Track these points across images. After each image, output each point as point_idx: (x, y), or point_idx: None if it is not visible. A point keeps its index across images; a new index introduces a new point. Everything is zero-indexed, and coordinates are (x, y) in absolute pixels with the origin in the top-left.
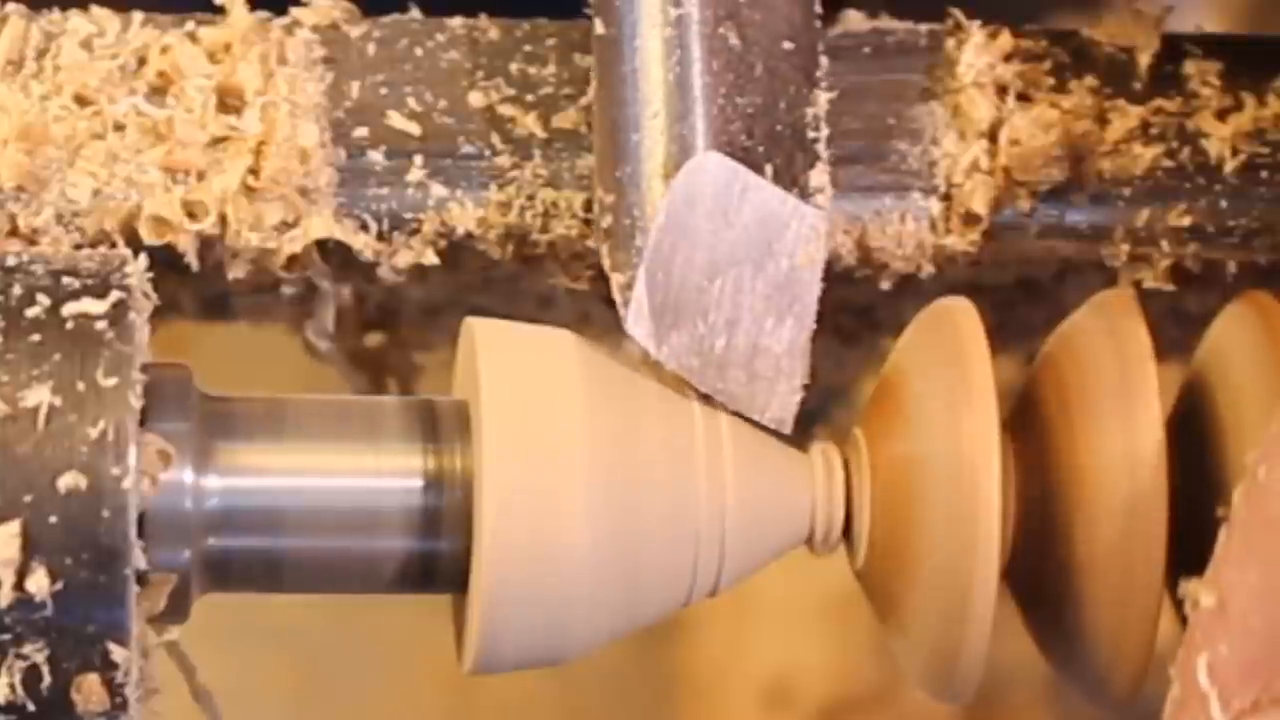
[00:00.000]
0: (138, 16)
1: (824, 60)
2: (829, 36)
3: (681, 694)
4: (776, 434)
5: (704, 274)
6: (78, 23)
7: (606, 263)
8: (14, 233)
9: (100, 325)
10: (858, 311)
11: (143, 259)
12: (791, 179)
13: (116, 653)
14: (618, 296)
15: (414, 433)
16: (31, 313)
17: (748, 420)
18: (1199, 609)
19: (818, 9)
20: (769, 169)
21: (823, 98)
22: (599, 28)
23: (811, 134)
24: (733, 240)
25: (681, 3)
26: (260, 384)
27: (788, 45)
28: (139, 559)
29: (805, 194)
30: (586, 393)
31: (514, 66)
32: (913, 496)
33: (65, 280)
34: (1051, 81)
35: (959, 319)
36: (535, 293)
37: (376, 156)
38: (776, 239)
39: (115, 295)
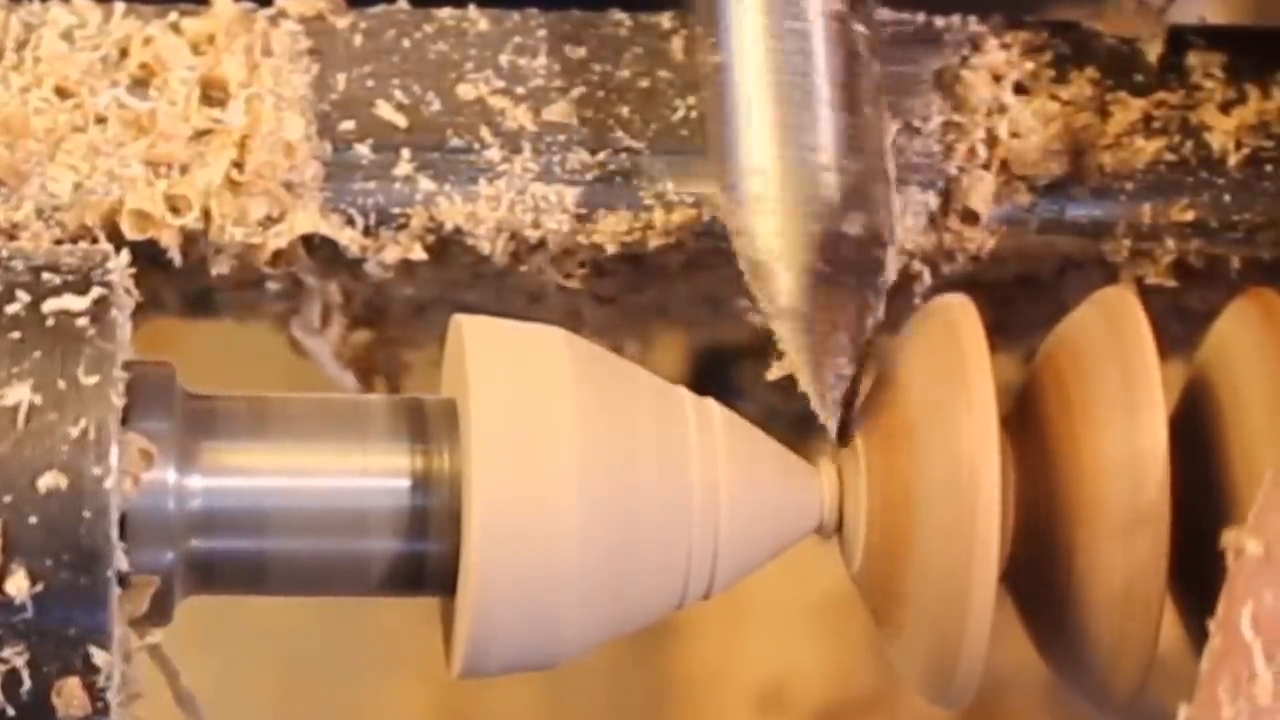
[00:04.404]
0: (119, 7)
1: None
2: None
3: (676, 697)
4: (771, 435)
5: (832, 264)
6: (58, 13)
7: (749, 209)
8: None
9: (81, 322)
10: None
11: (125, 254)
12: (886, 200)
13: (98, 656)
14: (757, 241)
15: (401, 432)
16: (11, 309)
17: (743, 420)
18: (1243, 557)
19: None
20: (879, 188)
21: (893, 127)
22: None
23: (890, 162)
24: (851, 242)
25: None
26: (245, 382)
27: (877, 67)
28: (121, 560)
29: (890, 214)
30: (577, 392)
31: (503, 58)
32: (910, 497)
33: (46, 276)
34: (1052, 73)
35: (957, 316)
36: (525, 289)
37: (363, 150)
38: (872, 256)
39: (97, 292)
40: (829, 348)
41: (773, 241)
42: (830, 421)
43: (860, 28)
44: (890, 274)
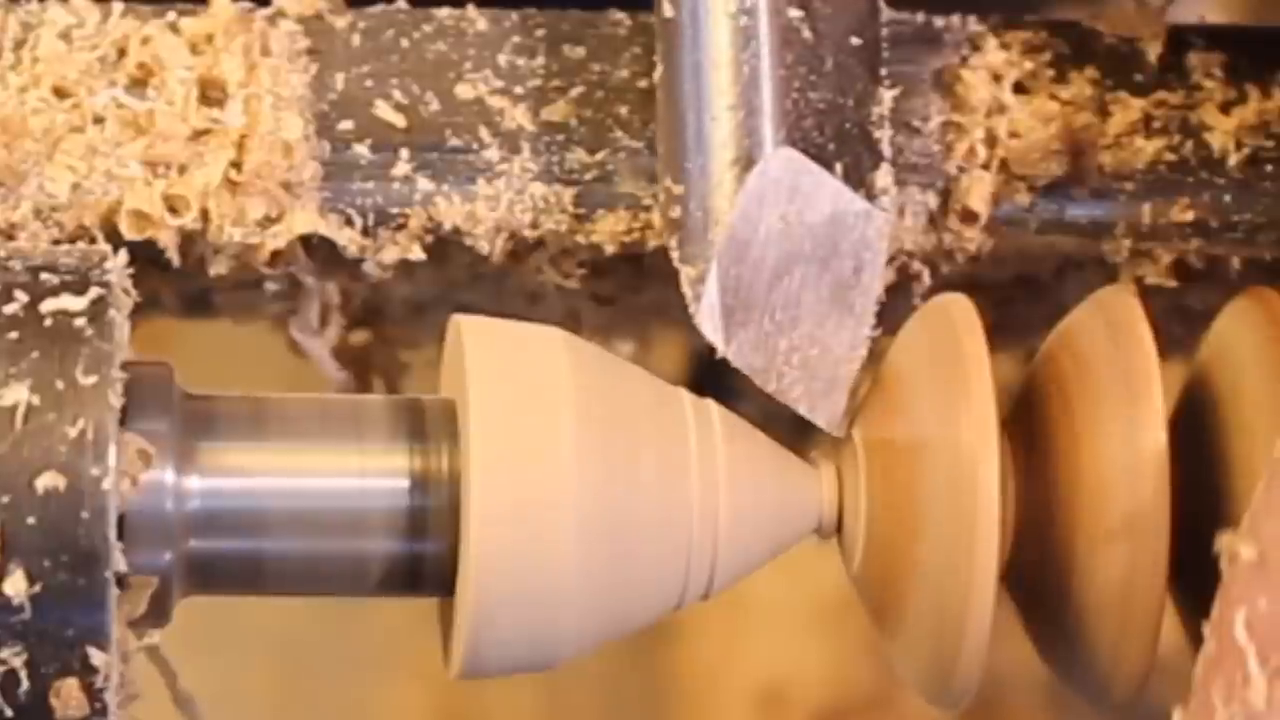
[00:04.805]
0: (117, 7)
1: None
2: None
3: (674, 699)
4: (770, 436)
5: (773, 272)
6: (56, 13)
7: (675, 255)
8: None
9: (79, 322)
10: None
11: (123, 255)
12: (859, 179)
13: (96, 657)
14: (687, 290)
15: (400, 432)
16: (9, 310)
17: (742, 420)
18: (1237, 562)
19: (881, 3)
20: (838, 168)
21: (887, 96)
22: (667, 10)
23: (876, 133)
24: (801, 239)
25: None
26: (243, 382)
27: (855, 40)
28: (119, 561)
29: (871, 195)
30: (576, 392)
31: (502, 58)
32: (910, 497)
33: (44, 276)
34: (1051, 73)
35: (957, 316)
36: (524, 289)
37: (362, 150)
38: (843, 240)
39: (95, 292)
40: (767, 349)
41: (679, 254)
42: (820, 419)
43: (797, 11)
44: (873, 243)
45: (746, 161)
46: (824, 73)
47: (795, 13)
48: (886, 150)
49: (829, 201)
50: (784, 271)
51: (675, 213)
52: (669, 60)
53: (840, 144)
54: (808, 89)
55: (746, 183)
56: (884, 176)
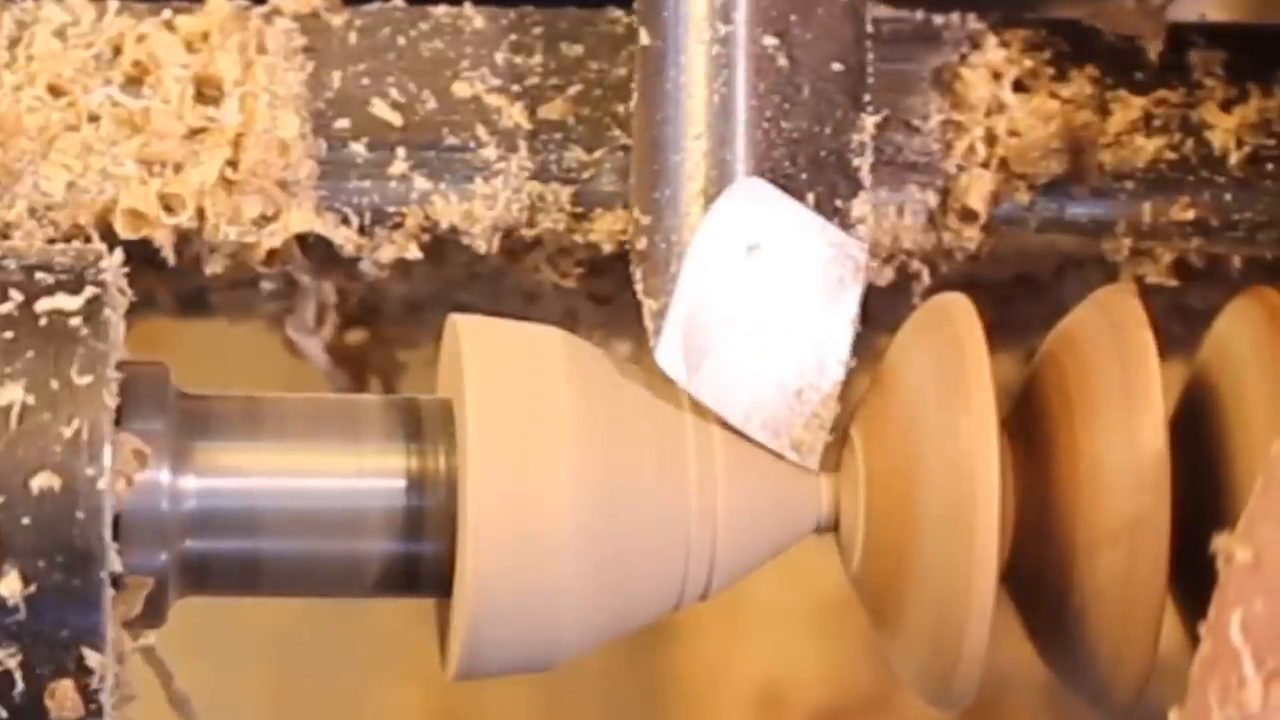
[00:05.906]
0: (113, 4)
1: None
2: None
3: (673, 699)
4: None
5: (738, 304)
6: (51, 10)
7: (639, 286)
8: None
9: (75, 322)
10: None
11: (118, 254)
12: (833, 208)
13: (91, 658)
14: (649, 323)
15: (396, 432)
16: (4, 309)
17: None
18: (1233, 564)
19: (869, 28)
20: (810, 197)
21: (869, 122)
22: (643, 38)
23: (855, 161)
24: (769, 270)
25: (730, 19)
26: (239, 382)
27: (837, 67)
28: (114, 561)
29: (846, 224)
30: (573, 392)
31: (500, 56)
32: (909, 497)
33: (39, 276)
34: (1051, 71)
35: (956, 315)
36: (521, 288)
37: (358, 148)
38: (815, 270)
39: (90, 291)
40: (733, 384)
41: (642, 286)
42: (793, 454)
43: (772, 39)
44: (848, 272)
45: (713, 193)
46: (800, 101)
47: (771, 40)
48: (866, 178)
49: (799, 231)
50: (751, 304)
51: (641, 244)
52: (643, 88)
53: (814, 173)
54: (780, 118)
55: (709, 213)
56: (862, 205)
